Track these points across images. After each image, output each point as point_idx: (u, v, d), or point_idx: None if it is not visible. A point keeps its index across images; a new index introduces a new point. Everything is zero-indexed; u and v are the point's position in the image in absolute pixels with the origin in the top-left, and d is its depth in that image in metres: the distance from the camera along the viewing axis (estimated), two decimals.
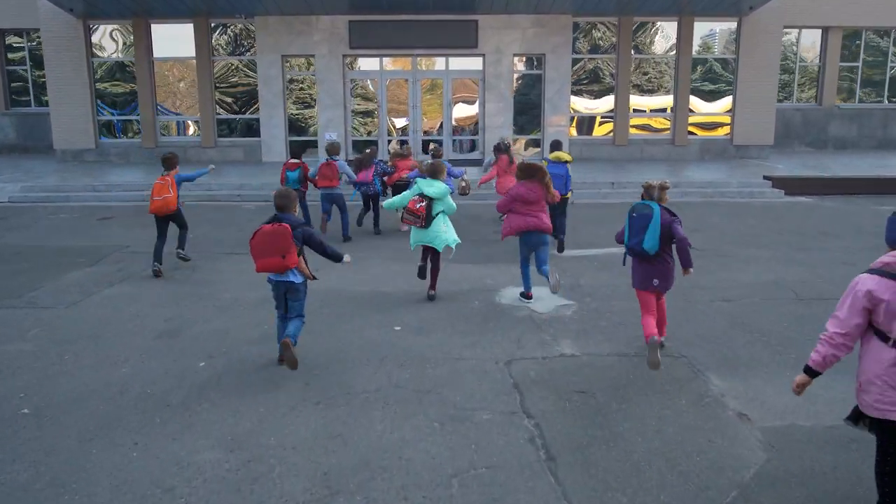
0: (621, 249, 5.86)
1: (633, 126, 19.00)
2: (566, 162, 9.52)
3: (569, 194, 9.55)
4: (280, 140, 18.55)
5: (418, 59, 18.58)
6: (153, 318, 6.98)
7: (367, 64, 18.97)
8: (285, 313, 5.62)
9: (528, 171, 7.05)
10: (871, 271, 3.19)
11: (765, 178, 14.56)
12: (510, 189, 7.31)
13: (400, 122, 19.16)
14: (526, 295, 7.43)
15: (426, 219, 7.20)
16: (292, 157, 10.77)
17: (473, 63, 18.56)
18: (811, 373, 3.38)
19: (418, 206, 7.19)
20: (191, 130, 19.38)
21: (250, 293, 7.74)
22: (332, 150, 10.63)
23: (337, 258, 5.78)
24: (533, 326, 6.63)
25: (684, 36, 18.37)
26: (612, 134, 18.97)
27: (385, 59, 18.68)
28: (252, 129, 19.05)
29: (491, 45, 18.12)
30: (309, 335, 6.34)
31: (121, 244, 10.28)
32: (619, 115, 18.67)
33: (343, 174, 10.56)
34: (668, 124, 19.03)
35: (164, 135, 19.17)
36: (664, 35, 18.83)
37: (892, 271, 3.13)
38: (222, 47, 18.92)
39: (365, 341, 6.26)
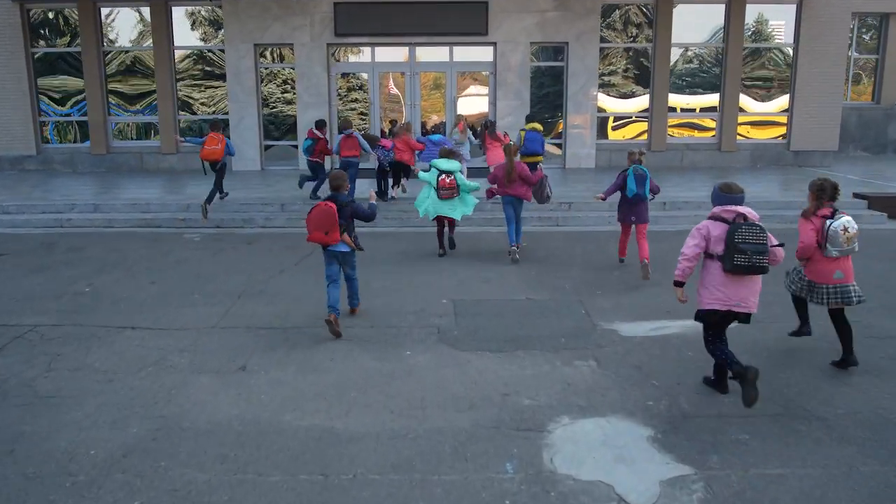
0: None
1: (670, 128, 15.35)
2: (540, 130, 11.01)
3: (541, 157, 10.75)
4: (253, 145, 14.91)
5: (417, 48, 14.91)
6: None
7: (355, 55, 15.37)
8: (336, 279, 5.85)
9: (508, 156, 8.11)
10: (709, 218, 4.46)
11: (856, 196, 10.89)
12: (496, 166, 8.48)
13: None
14: (511, 249, 8.22)
15: (458, 188, 8.12)
16: (316, 129, 11.14)
17: (482, 53, 14.90)
18: (680, 284, 4.55)
19: (447, 181, 8.08)
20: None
21: (115, 433, 4.14)
22: (347, 124, 10.94)
23: (373, 217, 6.14)
24: None
25: (734, 22, 14.67)
26: (645, 137, 15.30)
27: (378, 49, 15.03)
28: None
29: (503, 32, 14.45)
30: None
31: None
32: (656, 114, 14.98)
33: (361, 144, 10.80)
34: (713, 124, 15.36)
35: (118, 138, 15.51)
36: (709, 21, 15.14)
37: (718, 217, 4.40)
38: (198, 37, 15.27)
39: None
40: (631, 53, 15.31)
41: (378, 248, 8.68)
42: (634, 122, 15.43)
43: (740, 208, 4.40)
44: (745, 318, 4.49)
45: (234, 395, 4.70)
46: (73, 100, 15.30)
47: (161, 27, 14.65)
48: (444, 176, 8.09)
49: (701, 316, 4.54)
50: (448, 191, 8.07)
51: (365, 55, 15.22)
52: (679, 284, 4.53)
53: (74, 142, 15.42)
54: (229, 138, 10.69)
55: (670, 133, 15.25)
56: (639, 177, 7.38)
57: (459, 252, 8.67)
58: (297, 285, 7.31)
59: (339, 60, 15.21)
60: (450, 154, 8.45)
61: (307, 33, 14.48)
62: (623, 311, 6.39)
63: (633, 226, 7.70)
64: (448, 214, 8.19)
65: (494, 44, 14.57)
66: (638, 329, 5.90)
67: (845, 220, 4.82)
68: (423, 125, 15.03)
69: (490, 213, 10.38)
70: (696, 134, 15.47)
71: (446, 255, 8.53)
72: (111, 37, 15.17)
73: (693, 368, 5.07)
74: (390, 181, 11.36)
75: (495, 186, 8.22)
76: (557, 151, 15.30)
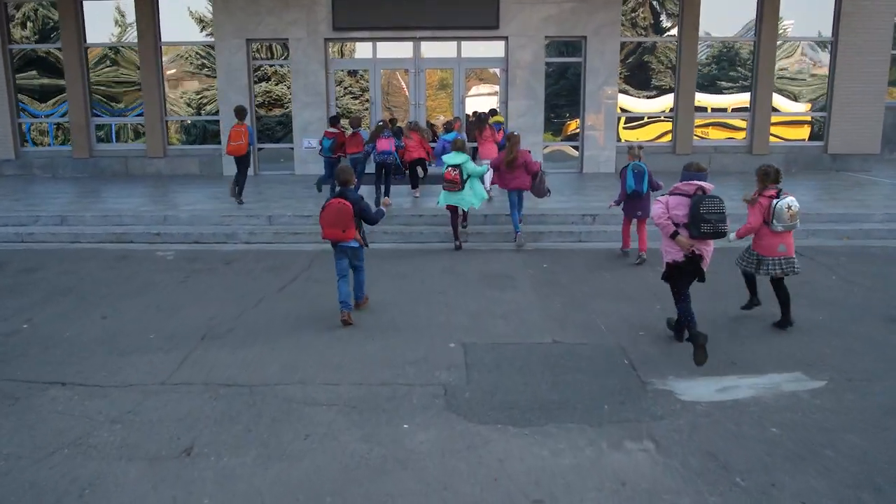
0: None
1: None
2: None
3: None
4: None
5: (422, 43, 13.57)
6: None
7: (355, 50, 14.05)
8: (346, 274, 5.95)
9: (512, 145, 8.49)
10: (669, 193, 5.07)
11: None
12: (499, 156, 8.80)
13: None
14: (516, 236, 8.62)
15: (461, 183, 8.28)
16: (330, 126, 10.76)
17: (493, 48, 13.56)
18: (675, 234, 4.96)
19: (452, 174, 8.29)
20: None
21: None
22: (356, 123, 10.82)
23: (377, 221, 6.09)
24: None
25: (767, 12, 13.25)
26: (668, 138, 13.92)
27: (379, 45, 13.70)
28: (210, 133, 14.15)
29: (516, 25, 13.09)
30: None
31: None
32: (681, 114, 13.58)
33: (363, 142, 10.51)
34: (743, 125, 13.95)
35: (101, 141, 14.23)
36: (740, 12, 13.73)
37: (679, 191, 4.96)
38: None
39: None
40: (653, 48, 13.91)
41: (375, 270, 7.28)
42: (648, 123, 14.05)
43: (699, 182, 4.90)
44: (701, 275, 5.07)
45: (167, 501, 3.38)
46: (54, 100, 14.06)
47: (147, 21, 13.36)
48: (449, 169, 8.31)
49: (666, 274, 5.16)
50: (449, 183, 8.26)
51: (366, 51, 13.89)
52: (675, 235, 4.94)
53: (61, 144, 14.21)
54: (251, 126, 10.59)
55: (697, 134, 13.86)
56: (637, 174, 7.70)
57: (469, 277, 7.34)
58: (276, 320, 5.99)
59: (340, 57, 13.89)
60: (461, 146, 8.47)
61: (303, 28, 13.17)
62: (676, 361, 5.02)
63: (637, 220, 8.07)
64: (457, 204, 8.39)
65: (506, 38, 13.21)
66: (700, 390, 4.53)
67: (789, 200, 5.41)
68: (432, 125, 13.73)
69: (502, 226, 9.08)
70: (712, 134, 14.07)
71: (454, 276, 7.22)
72: (93, 32, 13.90)
73: (785, 456, 3.71)
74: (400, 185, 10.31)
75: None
76: (574, 153, 13.95)
